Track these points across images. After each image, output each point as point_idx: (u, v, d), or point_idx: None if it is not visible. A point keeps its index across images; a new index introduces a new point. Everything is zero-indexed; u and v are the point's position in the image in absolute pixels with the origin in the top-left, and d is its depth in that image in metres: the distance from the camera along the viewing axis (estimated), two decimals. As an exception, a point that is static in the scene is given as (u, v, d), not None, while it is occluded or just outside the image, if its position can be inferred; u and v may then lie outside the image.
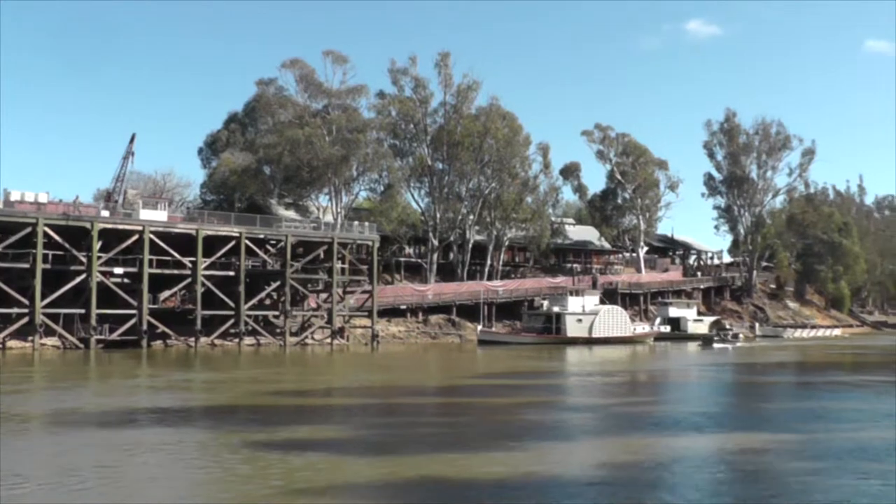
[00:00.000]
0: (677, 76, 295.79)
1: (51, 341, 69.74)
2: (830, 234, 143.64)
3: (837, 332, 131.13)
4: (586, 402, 35.25)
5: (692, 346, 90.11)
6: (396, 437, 24.04)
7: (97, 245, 71.17)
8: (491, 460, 20.13)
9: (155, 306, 75.51)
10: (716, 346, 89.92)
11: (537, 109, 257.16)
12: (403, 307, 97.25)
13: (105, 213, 74.59)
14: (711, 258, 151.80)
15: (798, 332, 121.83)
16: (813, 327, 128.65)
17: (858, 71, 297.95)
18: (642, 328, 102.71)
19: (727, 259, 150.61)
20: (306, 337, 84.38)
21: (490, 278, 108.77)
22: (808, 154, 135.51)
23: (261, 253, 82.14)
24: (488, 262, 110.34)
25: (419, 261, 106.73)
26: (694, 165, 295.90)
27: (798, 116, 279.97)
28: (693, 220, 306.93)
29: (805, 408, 31.84)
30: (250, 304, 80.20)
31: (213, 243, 77.84)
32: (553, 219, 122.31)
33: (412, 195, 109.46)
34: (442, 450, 21.57)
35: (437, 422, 27.55)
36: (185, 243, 76.29)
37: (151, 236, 73.51)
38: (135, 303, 73.14)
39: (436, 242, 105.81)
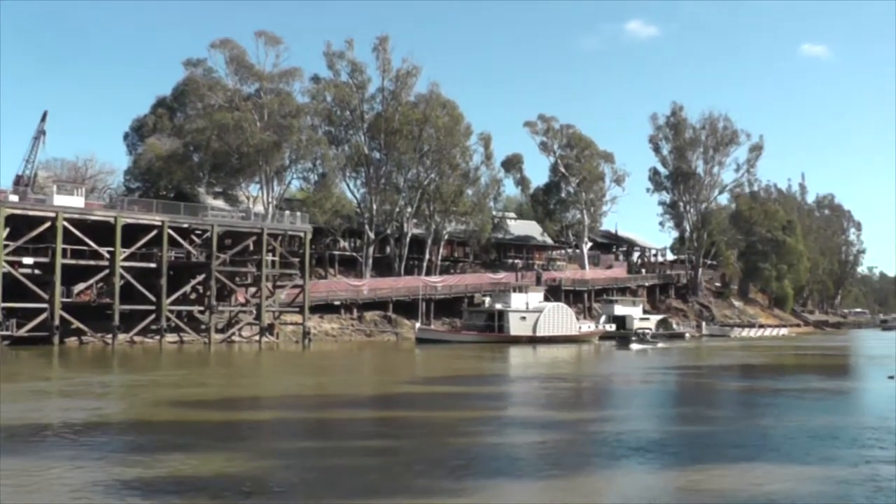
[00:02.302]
0: (619, 75, 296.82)
1: (-50, 337, 64.32)
2: (774, 232, 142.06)
3: (784, 331, 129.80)
4: (541, 416, 30.84)
5: (635, 347, 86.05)
6: (319, 471, 19.42)
7: (4, 232, 65.86)
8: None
9: (69, 300, 70.59)
10: (633, 346, 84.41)
11: (478, 104, 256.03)
12: (337, 303, 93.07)
13: (14, 198, 69.20)
14: (655, 255, 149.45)
15: (745, 332, 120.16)
16: (760, 326, 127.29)
17: (795, 74, 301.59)
18: (588, 327, 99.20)
19: (671, 256, 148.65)
20: (233, 334, 79.78)
21: (428, 273, 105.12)
22: (756, 150, 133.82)
23: (185, 244, 77.17)
24: (427, 256, 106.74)
25: (354, 254, 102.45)
26: (637, 163, 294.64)
27: (736, 117, 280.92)
28: (636, 216, 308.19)
29: (801, 425, 27.66)
30: (173, 298, 75.70)
31: (133, 232, 73.05)
32: (494, 213, 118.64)
33: (347, 185, 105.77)
34: (373, 495, 16.99)
35: (369, 447, 22.88)
36: (102, 232, 71.34)
37: (65, 224, 68.61)
38: (46, 296, 68.11)
39: (372, 235, 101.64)
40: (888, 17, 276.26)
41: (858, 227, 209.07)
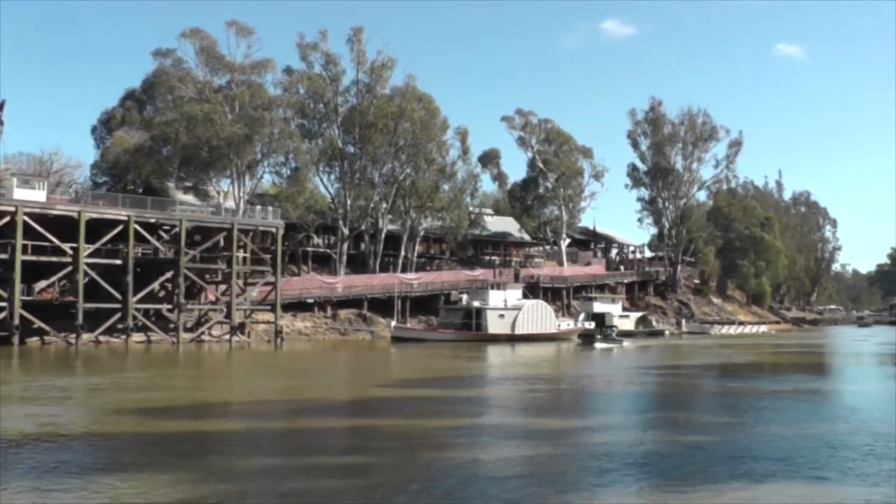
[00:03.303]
0: (596, 73, 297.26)
1: None
2: (752, 229, 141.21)
3: (764, 328, 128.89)
4: (524, 424, 28.67)
5: (599, 346, 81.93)
6: (281, 497, 17.06)
7: (-39, 228, 63.26)
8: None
9: (29, 298, 67.87)
10: (597, 346, 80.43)
11: (454, 102, 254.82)
12: (310, 301, 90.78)
13: (-31, 192, 66.59)
14: (634, 252, 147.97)
15: (725, 329, 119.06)
16: (740, 324, 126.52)
17: (770, 73, 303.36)
18: (567, 324, 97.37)
19: (648, 254, 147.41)
20: (202, 333, 77.41)
21: (404, 270, 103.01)
22: (735, 145, 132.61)
23: (152, 239, 74.79)
24: (402, 253, 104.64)
25: (328, 251, 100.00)
26: (615, 160, 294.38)
27: (714, 115, 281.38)
28: (614, 213, 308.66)
29: (806, 433, 25.59)
30: (140, 296, 73.15)
31: (98, 228, 70.56)
32: (471, 208, 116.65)
33: (321, 180, 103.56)
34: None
35: (342, 466, 20.54)
36: (66, 227, 68.81)
37: (26, 218, 66.02)
38: (5, 294, 65.75)
39: (346, 231, 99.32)
40: (859, 18, 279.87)
41: (834, 224, 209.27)
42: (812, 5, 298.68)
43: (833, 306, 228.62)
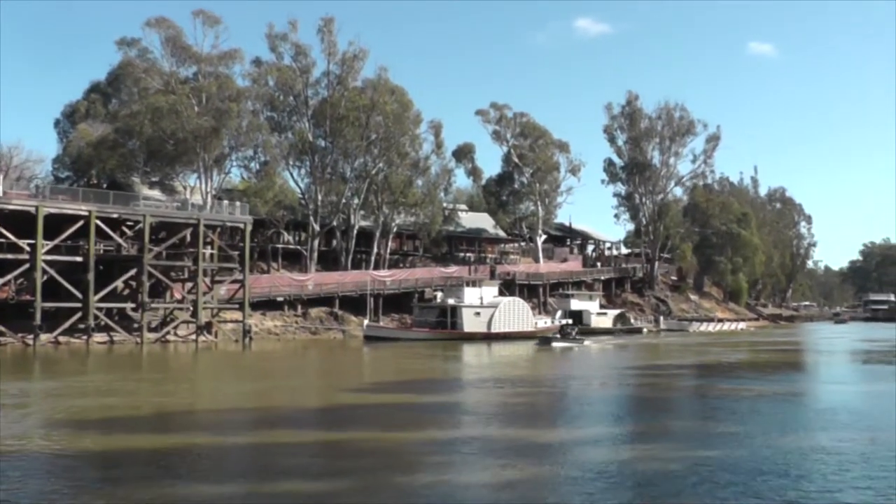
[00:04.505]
0: (570, 70, 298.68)
1: None
2: (730, 225, 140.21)
3: (742, 325, 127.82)
4: (508, 437, 26.11)
5: (558, 345, 76.44)
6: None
7: (-90, 224, 60.57)
8: None
9: (-16, 297, 64.94)
10: (555, 345, 76.03)
11: (428, 97, 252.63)
12: (280, 299, 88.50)
13: (-78, 186, 63.85)
14: (610, 248, 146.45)
15: (704, 326, 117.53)
16: (719, 321, 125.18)
17: (743, 70, 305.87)
18: (544, 322, 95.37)
19: (625, 250, 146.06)
20: (168, 333, 74.80)
21: (377, 267, 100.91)
22: (713, 140, 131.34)
23: (115, 236, 72.21)
24: (375, 249, 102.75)
25: (298, 248, 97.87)
26: (590, 155, 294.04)
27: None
28: (590, 209, 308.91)
29: (822, 444, 23.63)
30: (102, 294, 70.43)
31: (57, 223, 67.85)
32: (445, 204, 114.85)
33: (291, 174, 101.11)
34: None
35: (308, 493, 17.97)
36: (23, 223, 66.12)
37: (-21, 214, 63.12)
38: (-41, 293, 62.68)
39: (317, 228, 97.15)
40: (828, 17, 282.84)
41: (809, 220, 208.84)
42: (783, 4, 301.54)
43: (807, 303, 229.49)
